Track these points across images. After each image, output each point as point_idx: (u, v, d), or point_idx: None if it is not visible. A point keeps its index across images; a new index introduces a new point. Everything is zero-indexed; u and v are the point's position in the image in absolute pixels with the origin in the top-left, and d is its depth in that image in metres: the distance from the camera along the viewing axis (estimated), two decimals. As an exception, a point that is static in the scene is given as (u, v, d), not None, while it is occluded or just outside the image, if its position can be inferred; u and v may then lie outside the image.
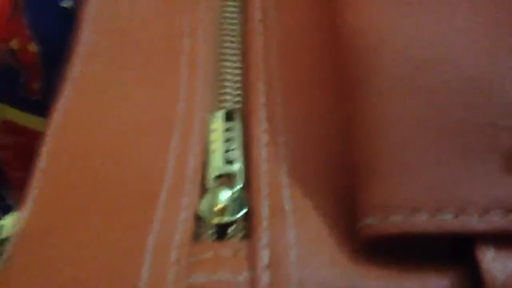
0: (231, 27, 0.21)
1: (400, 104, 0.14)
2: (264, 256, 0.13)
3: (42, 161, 0.17)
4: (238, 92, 0.18)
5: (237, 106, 0.18)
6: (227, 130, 0.17)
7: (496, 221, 0.13)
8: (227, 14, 0.21)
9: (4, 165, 0.41)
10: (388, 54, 0.15)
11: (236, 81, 0.19)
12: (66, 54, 0.38)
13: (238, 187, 0.15)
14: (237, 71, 0.19)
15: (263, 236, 0.14)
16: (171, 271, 0.13)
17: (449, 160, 0.13)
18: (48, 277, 0.14)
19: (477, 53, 0.15)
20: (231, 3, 0.21)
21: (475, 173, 0.13)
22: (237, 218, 0.15)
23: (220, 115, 0.17)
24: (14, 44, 0.38)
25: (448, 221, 0.13)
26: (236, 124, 0.17)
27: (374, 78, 0.15)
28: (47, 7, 0.39)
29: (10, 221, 0.16)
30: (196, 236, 0.14)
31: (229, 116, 0.17)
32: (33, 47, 0.38)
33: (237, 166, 0.16)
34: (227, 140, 0.17)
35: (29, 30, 0.38)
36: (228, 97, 0.18)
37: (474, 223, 0.13)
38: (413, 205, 0.13)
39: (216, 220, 0.15)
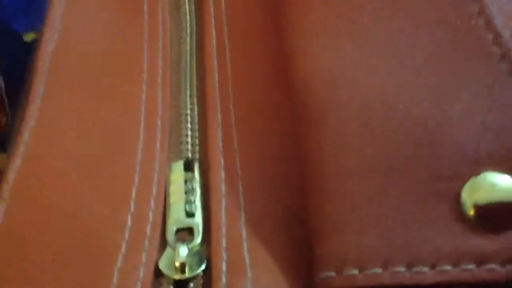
0: (187, 70, 0.21)
1: (347, 155, 0.15)
2: None
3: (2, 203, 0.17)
4: (196, 140, 0.19)
5: (196, 155, 0.18)
6: (186, 181, 0.17)
7: (446, 272, 0.13)
8: (183, 56, 0.21)
9: None
10: (336, 100, 0.16)
11: (194, 129, 0.19)
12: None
13: (198, 241, 0.16)
14: (195, 119, 0.19)
15: None
16: None
17: (398, 211, 0.14)
18: None
19: (419, 101, 0.15)
20: (187, 46, 0.22)
21: (424, 225, 0.14)
22: (197, 274, 0.15)
23: (179, 165, 0.18)
24: (-23, 80, 0.38)
25: (401, 274, 0.13)
26: (195, 174, 0.17)
27: (322, 126, 0.15)
28: (11, 41, 0.38)
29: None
30: (158, 288, 0.15)
31: (188, 166, 0.18)
32: (-3, 82, 0.37)
33: (197, 219, 0.16)
34: (187, 192, 0.17)
35: (-7, 66, 0.37)
36: (186, 146, 0.18)
37: (426, 275, 0.13)
38: (366, 258, 0.13)
39: (176, 276, 0.15)
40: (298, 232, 0.15)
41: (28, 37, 0.38)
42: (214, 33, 0.21)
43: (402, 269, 0.13)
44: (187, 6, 0.23)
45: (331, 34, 0.18)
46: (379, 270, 0.13)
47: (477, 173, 0.13)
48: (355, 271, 0.13)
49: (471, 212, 0.13)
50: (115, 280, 0.15)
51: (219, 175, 0.17)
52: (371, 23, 0.17)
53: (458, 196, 0.13)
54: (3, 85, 0.37)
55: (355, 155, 0.15)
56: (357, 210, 0.14)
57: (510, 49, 0.15)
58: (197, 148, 0.18)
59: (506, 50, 0.15)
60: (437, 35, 0.16)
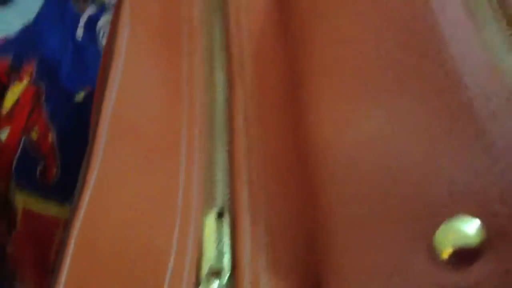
0: (219, 126, 0.24)
1: (348, 210, 0.18)
2: None
3: (69, 248, 0.20)
4: (227, 185, 0.22)
5: (226, 207, 0.21)
6: (218, 227, 0.20)
7: None
8: (216, 113, 0.25)
9: (16, 256, 0.44)
10: (334, 159, 0.19)
11: (225, 180, 0.22)
12: (79, 144, 0.41)
13: (225, 278, 0.19)
14: (226, 171, 0.23)
15: None
16: None
17: (381, 254, 0.16)
18: None
19: (413, 157, 0.18)
20: (219, 107, 0.25)
21: (405, 266, 0.16)
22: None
23: (212, 214, 0.21)
24: (34, 134, 0.42)
25: None
26: (225, 223, 0.21)
27: (328, 185, 0.19)
28: (64, 101, 0.42)
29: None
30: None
31: (219, 215, 0.21)
32: (51, 137, 0.41)
33: (226, 260, 0.19)
34: (218, 237, 0.20)
35: (48, 121, 0.41)
36: (219, 196, 0.22)
37: None
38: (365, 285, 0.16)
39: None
40: (312, 274, 0.18)
41: (79, 96, 0.41)
42: (242, 107, 0.25)
43: None
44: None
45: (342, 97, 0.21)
46: None
47: (446, 221, 0.16)
48: None
49: (444, 256, 0.16)
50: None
51: (246, 226, 0.20)
52: (374, 101, 0.20)
53: (431, 240, 0.16)
54: (56, 139, 0.41)
55: (351, 210, 0.18)
56: (352, 253, 0.17)
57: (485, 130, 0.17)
58: (227, 196, 0.22)
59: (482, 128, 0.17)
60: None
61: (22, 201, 0.42)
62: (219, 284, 0.18)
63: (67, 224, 0.21)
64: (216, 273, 0.19)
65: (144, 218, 0.21)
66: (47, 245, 0.42)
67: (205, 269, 0.19)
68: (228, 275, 0.19)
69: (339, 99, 0.21)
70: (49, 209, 0.42)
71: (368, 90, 0.20)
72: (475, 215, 0.15)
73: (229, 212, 0.21)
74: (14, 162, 0.42)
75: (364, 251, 0.17)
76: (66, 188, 0.41)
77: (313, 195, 0.19)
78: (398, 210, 0.17)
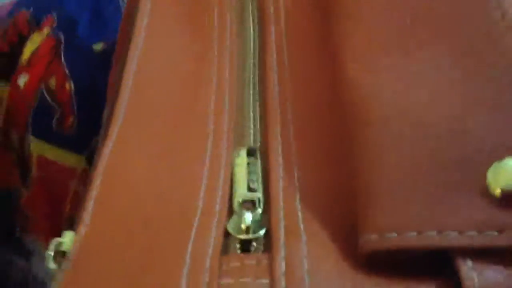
0: (251, 74, 0.24)
1: (391, 148, 0.18)
2: (281, 266, 0.17)
3: (95, 190, 0.20)
4: (258, 132, 0.22)
5: (257, 144, 0.21)
6: (249, 164, 0.20)
7: (471, 238, 0.16)
8: (247, 56, 0.25)
9: (30, 204, 0.44)
10: (379, 106, 0.19)
11: (256, 123, 0.22)
12: (97, 95, 0.42)
13: (260, 210, 0.19)
14: (257, 115, 0.23)
15: (281, 250, 0.17)
16: (205, 275, 0.16)
17: (432, 191, 0.17)
18: None
19: (453, 107, 0.18)
20: (251, 60, 0.25)
21: (454, 200, 0.16)
22: (259, 235, 0.18)
23: (243, 152, 0.21)
24: (52, 83, 0.42)
25: (432, 238, 0.16)
26: (257, 160, 0.21)
27: (367, 126, 0.19)
28: (83, 50, 0.42)
29: (69, 239, 0.19)
30: (225, 249, 0.18)
31: (250, 153, 0.21)
32: (69, 86, 0.41)
33: (258, 194, 0.19)
34: (249, 173, 0.20)
35: (67, 71, 0.41)
36: (249, 137, 0.22)
37: (454, 239, 0.16)
38: (403, 225, 0.16)
39: (242, 236, 0.18)
40: (344, 208, 0.18)
41: (98, 46, 0.41)
42: (274, 49, 0.24)
43: (433, 233, 0.16)
44: (251, 26, 0.26)
45: (377, 50, 0.21)
46: (414, 233, 0.16)
47: (499, 159, 0.16)
48: (393, 234, 0.16)
49: (497, 192, 0.16)
50: (192, 237, 0.18)
51: (277, 161, 0.20)
52: (414, 46, 0.21)
53: (484, 178, 0.16)
54: (73, 88, 0.41)
55: (395, 148, 0.18)
56: (398, 187, 0.17)
57: None
58: (258, 140, 0.22)
59: None
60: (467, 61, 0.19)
61: (37, 148, 0.42)
62: (253, 216, 0.18)
63: (88, 172, 0.21)
64: (248, 206, 0.19)
65: (173, 159, 0.21)
66: (61, 195, 0.42)
67: (237, 203, 0.19)
68: (261, 208, 0.19)
69: (377, 49, 0.21)
70: (64, 158, 0.42)
71: (408, 42, 0.20)
72: None
73: (261, 151, 0.21)
74: (32, 110, 0.42)
75: (410, 193, 0.17)
76: (83, 138, 0.41)
77: (350, 138, 0.19)
78: (447, 153, 0.17)
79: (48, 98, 0.41)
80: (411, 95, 0.19)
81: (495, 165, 0.16)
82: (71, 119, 0.41)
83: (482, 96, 0.18)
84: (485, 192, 0.16)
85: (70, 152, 0.42)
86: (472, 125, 0.18)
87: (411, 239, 0.16)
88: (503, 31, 0.20)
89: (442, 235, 0.16)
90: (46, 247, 0.19)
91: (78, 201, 0.39)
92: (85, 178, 0.41)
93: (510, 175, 0.16)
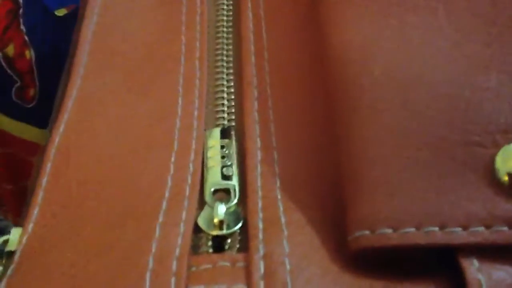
0: (225, 42, 0.22)
1: (381, 122, 0.15)
2: (260, 267, 0.14)
3: (43, 176, 0.17)
4: (232, 110, 0.19)
5: (232, 123, 0.19)
6: (223, 147, 0.18)
7: (479, 234, 0.14)
8: (220, 29, 0.22)
9: None
10: (370, 74, 0.16)
11: (230, 99, 0.20)
12: (61, 63, 0.38)
13: (235, 201, 0.17)
14: (231, 89, 0.20)
15: (259, 248, 0.15)
16: (172, 281, 0.14)
17: (430, 175, 0.14)
18: None
19: (455, 72, 0.16)
20: (224, 19, 0.22)
21: (457, 188, 0.14)
22: (234, 231, 0.16)
23: (216, 132, 0.18)
24: (9, 50, 0.39)
25: (434, 233, 0.14)
26: (232, 142, 0.18)
27: (356, 97, 0.16)
28: (43, 15, 0.39)
29: (15, 236, 0.17)
30: (195, 248, 0.16)
31: (224, 134, 0.18)
32: (29, 53, 0.38)
33: (233, 182, 0.17)
34: (223, 157, 0.18)
35: (26, 37, 0.38)
36: (223, 114, 0.19)
37: (459, 235, 0.14)
38: (400, 218, 0.14)
39: (214, 232, 0.16)
40: (330, 197, 0.16)
41: (60, 12, 0.38)
42: (250, 6, 0.22)
43: (435, 229, 0.14)
44: None
45: (370, 13, 0.18)
46: (413, 229, 0.14)
47: (510, 142, 0.14)
48: (388, 230, 0.14)
49: (505, 179, 0.14)
50: (157, 234, 0.15)
51: (255, 142, 0.18)
52: (409, 9, 0.18)
53: (491, 163, 0.14)
54: (34, 57, 0.38)
55: (389, 122, 0.15)
56: (391, 174, 0.15)
57: None
58: (233, 117, 0.19)
59: None
60: (476, 9, 0.17)
61: None
62: (227, 208, 0.16)
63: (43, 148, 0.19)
64: (222, 196, 0.17)
65: (134, 140, 0.18)
66: (24, 171, 0.40)
67: (209, 192, 0.17)
68: (236, 197, 0.17)
69: (369, 12, 0.18)
70: (25, 132, 0.39)
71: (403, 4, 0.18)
72: None
73: (236, 131, 0.19)
74: None
75: (407, 181, 0.14)
76: (45, 111, 0.39)
77: (336, 108, 0.17)
78: (450, 133, 0.15)
79: (6, 67, 0.38)
80: (409, 60, 0.16)
81: (504, 149, 0.14)
82: (32, 90, 0.38)
83: (490, 58, 0.16)
84: (493, 179, 0.14)
85: (32, 126, 0.39)
86: (478, 101, 0.15)
87: (409, 235, 0.14)
88: None
89: (445, 231, 0.14)
90: (14, 224, 0.17)
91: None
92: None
93: None
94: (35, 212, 0.16)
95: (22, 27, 0.39)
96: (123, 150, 0.18)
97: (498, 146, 0.14)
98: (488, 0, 0.17)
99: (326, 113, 0.18)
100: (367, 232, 0.14)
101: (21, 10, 0.39)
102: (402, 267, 0.14)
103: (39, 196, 0.17)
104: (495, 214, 0.14)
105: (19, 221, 0.17)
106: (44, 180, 0.17)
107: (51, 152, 0.18)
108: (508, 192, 0.14)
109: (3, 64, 0.39)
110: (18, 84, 0.39)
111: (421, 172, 0.14)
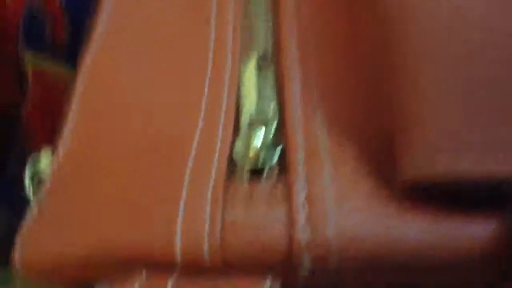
0: None
1: (437, 51, 0.14)
2: (300, 195, 0.13)
3: (75, 105, 0.17)
4: (270, 34, 0.18)
5: (269, 50, 0.18)
6: (259, 75, 0.17)
7: None
8: None
9: (29, 122, 0.42)
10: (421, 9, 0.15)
11: (267, 28, 0.18)
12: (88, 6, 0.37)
13: (272, 129, 0.15)
14: (269, 19, 0.19)
15: (300, 176, 0.14)
16: (207, 209, 0.13)
17: (485, 114, 0.13)
18: (82, 219, 0.14)
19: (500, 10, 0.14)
20: None
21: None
22: (272, 160, 0.15)
23: (252, 60, 0.17)
24: (39, -8, 0.38)
25: (494, 163, 0.12)
26: (269, 69, 0.17)
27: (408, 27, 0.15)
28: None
29: (46, 161, 0.16)
30: (231, 178, 0.15)
31: (261, 61, 0.17)
32: (58, -2, 0.38)
33: (271, 110, 0.16)
34: (260, 85, 0.17)
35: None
36: (260, 40, 0.18)
37: None
38: (458, 146, 0.13)
39: (251, 163, 0.15)
40: (374, 129, 0.15)
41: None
42: None
43: (497, 159, 0.12)
44: None
45: None
46: (470, 159, 0.13)
47: None
48: (444, 159, 0.13)
49: None
50: (190, 163, 0.14)
51: (294, 71, 0.17)
52: None
53: None
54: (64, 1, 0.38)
55: (442, 58, 0.14)
56: (449, 101, 0.13)
57: None
58: (270, 46, 0.18)
59: None
60: None
61: (32, 62, 0.40)
62: (264, 135, 0.15)
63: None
64: (259, 124, 0.16)
65: (168, 69, 0.17)
66: (58, 110, 0.40)
67: (245, 120, 0.16)
68: (275, 125, 0.16)
69: None
70: (60, 73, 0.40)
71: None
72: None
73: (274, 58, 0.17)
74: (21, 23, 0.39)
75: (465, 110, 0.13)
76: (77, 53, 0.39)
77: (389, 44, 0.15)
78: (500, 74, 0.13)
79: (36, 10, 0.38)
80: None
81: None
82: (63, 34, 0.39)
83: None
84: None
85: (64, 67, 0.39)
86: None
87: (467, 164, 0.13)
88: None
89: (505, 159, 0.12)
90: None
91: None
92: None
93: None
94: (66, 137, 0.16)
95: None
96: (154, 82, 0.17)
97: None
98: None
99: (369, 46, 0.16)
100: (423, 159, 0.13)
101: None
102: (452, 200, 0.13)
103: (70, 123, 0.16)
104: None
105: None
106: (75, 106, 0.16)
107: (81, 82, 0.17)
108: None
109: (34, 8, 0.39)
110: (50, 27, 0.39)
111: (476, 108, 0.13)
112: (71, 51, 0.39)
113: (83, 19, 0.39)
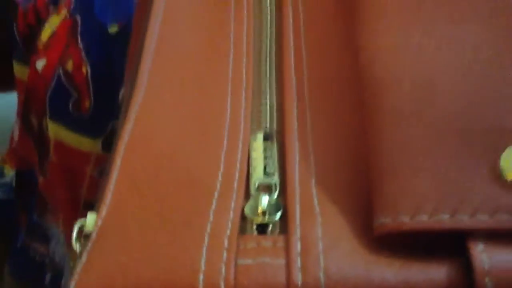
0: (267, 52, 0.25)
1: (404, 124, 0.18)
2: (297, 246, 0.17)
3: (115, 171, 0.21)
4: (274, 114, 0.22)
5: (274, 125, 0.22)
6: (265, 149, 0.21)
7: (483, 220, 0.16)
8: (264, 42, 0.25)
9: (48, 188, 0.44)
10: (395, 77, 0.19)
11: (272, 104, 0.23)
12: (113, 78, 0.42)
13: (276, 194, 0.19)
14: (273, 94, 0.23)
15: (297, 231, 0.18)
16: (224, 254, 0.17)
17: (445, 172, 0.17)
18: (120, 273, 0.17)
19: (474, 82, 0.19)
20: (267, 32, 0.26)
21: (466, 182, 0.17)
22: (275, 219, 0.19)
23: (260, 136, 0.21)
24: (69, 66, 0.42)
25: (445, 220, 0.16)
26: (273, 144, 0.21)
27: (383, 97, 0.19)
28: (98, 34, 0.42)
29: (91, 220, 0.20)
30: (242, 231, 0.18)
31: (267, 137, 0.21)
32: (85, 69, 0.42)
33: (274, 178, 0.20)
34: (266, 157, 0.21)
35: (83, 54, 0.41)
36: (266, 118, 0.22)
37: (466, 222, 0.16)
38: (417, 207, 0.17)
39: (258, 219, 0.19)
40: (359, 186, 0.19)
41: (112, 29, 0.42)
42: (291, 20, 0.25)
43: (446, 216, 0.16)
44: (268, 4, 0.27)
45: (397, 18, 0.21)
46: (426, 216, 0.16)
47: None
48: (406, 218, 0.17)
49: (509, 177, 0.16)
50: (211, 218, 0.18)
51: (294, 145, 0.21)
52: (432, 13, 0.21)
53: (498, 161, 0.17)
54: (90, 72, 0.41)
55: (411, 125, 0.18)
56: (410, 168, 0.17)
57: None
58: (275, 121, 0.22)
59: None
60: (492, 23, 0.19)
61: (54, 132, 0.42)
62: (269, 199, 0.19)
63: (102, 157, 0.22)
64: (265, 189, 0.20)
65: (191, 141, 0.21)
66: (78, 180, 0.43)
67: (254, 186, 0.20)
68: (278, 190, 0.19)
69: (397, 23, 0.21)
70: (80, 142, 0.42)
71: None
72: None
73: (277, 135, 0.22)
74: (49, 93, 0.42)
75: (421, 170, 0.17)
76: (98, 122, 0.42)
77: (366, 118, 0.20)
78: (463, 131, 0.17)
79: (65, 81, 0.41)
80: (434, 65, 0.19)
81: (509, 149, 0.17)
82: (87, 102, 0.41)
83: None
84: (498, 176, 0.17)
85: (85, 136, 0.42)
86: (489, 102, 0.18)
87: (424, 222, 0.17)
88: None
89: (453, 218, 0.16)
90: (64, 232, 0.20)
91: (95, 185, 0.40)
92: (100, 163, 0.41)
93: None
94: (108, 197, 0.19)
95: (80, 44, 0.42)
96: (181, 146, 0.21)
97: (501, 149, 0.17)
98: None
99: (357, 116, 0.21)
100: (389, 219, 0.17)
101: (79, 28, 0.42)
102: (422, 250, 0.17)
103: (111, 184, 0.20)
104: (499, 204, 0.16)
105: (67, 229, 0.20)
106: (115, 172, 0.20)
107: (121, 147, 0.21)
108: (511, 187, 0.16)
109: (63, 78, 0.42)
110: (75, 97, 0.42)
111: (436, 168, 0.17)
112: (93, 122, 0.41)
113: (106, 90, 0.43)
